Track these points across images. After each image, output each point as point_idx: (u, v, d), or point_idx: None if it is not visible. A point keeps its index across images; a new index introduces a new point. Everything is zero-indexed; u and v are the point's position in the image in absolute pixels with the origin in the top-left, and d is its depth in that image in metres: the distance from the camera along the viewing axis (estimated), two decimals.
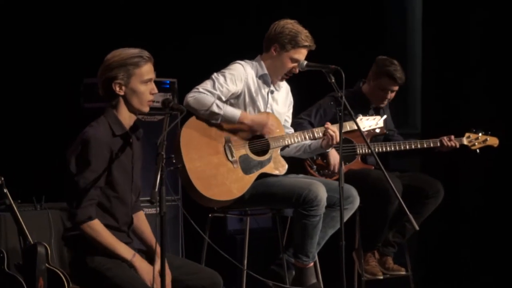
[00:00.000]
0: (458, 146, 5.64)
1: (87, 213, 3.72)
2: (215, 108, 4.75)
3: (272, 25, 4.99)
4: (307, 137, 4.95)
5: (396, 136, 5.86)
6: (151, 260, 3.87)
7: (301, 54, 4.93)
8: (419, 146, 5.63)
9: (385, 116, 5.34)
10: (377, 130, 5.24)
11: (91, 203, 3.74)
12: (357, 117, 5.15)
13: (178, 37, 7.36)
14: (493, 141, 5.75)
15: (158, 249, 3.77)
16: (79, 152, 3.74)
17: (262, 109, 4.96)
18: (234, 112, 4.80)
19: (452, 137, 5.65)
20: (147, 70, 3.86)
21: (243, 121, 4.82)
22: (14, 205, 5.41)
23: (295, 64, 4.92)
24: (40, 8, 6.97)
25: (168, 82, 6.44)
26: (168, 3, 7.28)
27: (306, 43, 4.91)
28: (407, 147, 5.62)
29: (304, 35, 4.91)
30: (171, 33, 7.31)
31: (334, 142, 4.89)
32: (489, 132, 5.72)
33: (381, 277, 5.62)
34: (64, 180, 3.80)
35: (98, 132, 3.77)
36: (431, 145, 5.64)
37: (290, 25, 4.94)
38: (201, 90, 4.78)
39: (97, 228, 3.74)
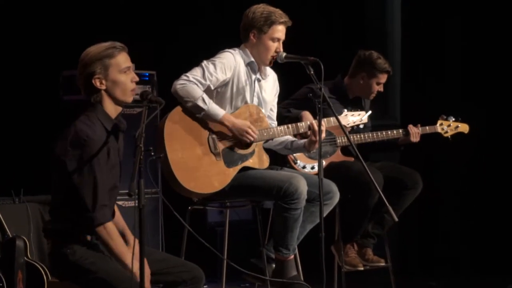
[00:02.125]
0: (420, 130, 5.62)
1: (105, 216, 3.72)
2: (200, 102, 4.70)
3: (244, 14, 4.96)
4: (291, 131, 4.92)
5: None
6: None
7: (280, 32, 4.88)
8: (391, 135, 5.61)
9: (369, 112, 5.32)
10: (361, 126, 5.23)
11: (105, 205, 3.73)
12: (342, 112, 5.14)
13: (157, 29, 7.32)
14: (464, 127, 5.76)
15: (137, 242, 3.75)
16: (81, 154, 3.70)
17: (248, 98, 4.91)
18: (218, 111, 4.75)
19: (419, 125, 5.65)
20: (123, 59, 3.83)
21: (224, 122, 4.77)
22: None
23: (278, 44, 4.88)
24: (19, 2, 6.92)
25: (147, 74, 6.41)
26: None
27: (282, 20, 4.87)
28: (380, 136, 5.60)
29: (278, 13, 4.88)
30: (149, 25, 7.28)
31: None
32: (460, 119, 5.72)
33: (362, 269, 5.61)
34: (68, 184, 3.73)
35: (95, 132, 3.74)
36: (401, 133, 5.62)
37: (261, 8, 4.91)
38: (191, 79, 4.72)
39: (112, 232, 3.74)
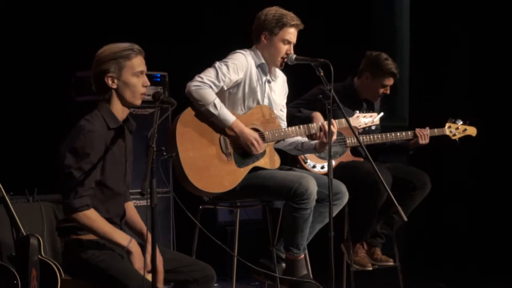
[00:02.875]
0: (428, 132, 5.61)
1: (83, 202, 3.71)
2: (212, 108, 4.70)
3: (256, 16, 4.96)
4: (302, 132, 4.92)
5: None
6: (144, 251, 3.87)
7: (291, 34, 4.89)
8: (400, 137, 5.61)
9: (382, 114, 5.30)
10: (373, 127, 5.24)
11: (87, 194, 3.74)
12: (354, 114, 5.14)
13: (169, 31, 7.35)
14: (472, 130, 5.74)
15: (149, 239, 3.77)
16: (75, 145, 3.73)
17: (260, 99, 4.92)
18: (228, 117, 4.75)
19: (427, 128, 5.65)
20: (138, 62, 3.86)
21: (233, 129, 4.78)
22: (6, 197, 5.40)
23: (289, 46, 4.88)
24: (33, 3, 6.95)
25: (159, 75, 6.43)
26: None
27: (293, 22, 4.88)
28: (389, 137, 5.59)
29: (289, 16, 4.88)
30: (161, 27, 7.30)
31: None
32: (467, 122, 5.71)
33: (370, 268, 5.61)
34: (58, 174, 3.77)
35: (93, 126, 3.76)
36: (410, 135, 5.61)
37: (273, 10, 4.92)
38: (206, 81, 4.72)
39: (93, 216, 3.73)
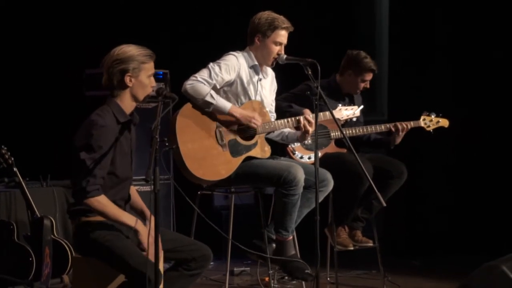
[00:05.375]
0: (409, 126, 5.59)
1: (95, 188, 3.74)
2: (209, 98, 4.70)
3: (250, 20, 4.96)
4: (290, 125, 4.92)
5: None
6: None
7: (282, 36, 4.88)
8: (379, 129, 5.59)
9: (362, 106, 5.33)
10: (354, 119, 5.22)
11: (99, 181, 3.76)
12: (336, 107, 5.14)
13: (171, 30, 7.34)
14: (444, 122, 5.72)
15: (152, 220, 3.80)
16: (89, 139, 3.75)
17: (252, 96, 4.92)
18: (225, 104, 4.76)
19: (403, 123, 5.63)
20: (151, 66, 3.93)
21: (232, 113, 4.77)
22: (22, 182, 5.40)
23: (280, 47, 4.88)
24: (45, 9, 6.97)
25: (161, 72, 6.41)
26: None
27: (284, 25, 4.88)
28: (370, 130, 5.58)
29: (281, 20, 4.88)
30: (164, 27, 7.29)
31: (310, 131, 4.86)
32: (440, 114, 5.70)
33: (352, 248, 5.61)
34: (73, 164, 3.78)
35: (105, 121, 3.79)
36: (390, 128, 5.57)
37: (266, 14, 4.91)
38: (199, 79, 4.73)
39: (103, 201, 3.76)
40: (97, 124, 3.76)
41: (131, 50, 3.86)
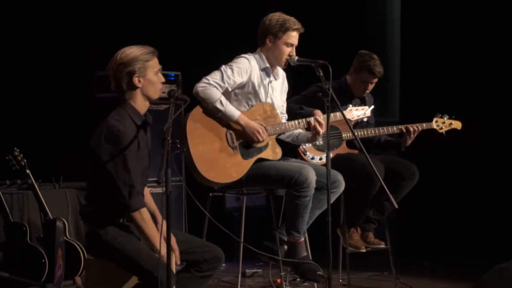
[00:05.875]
0: (419, 128, 5.56)
1: (140, 203, 3.77)
2: (218, 104, 4.69)
3: (261, 21, 4.95)
4: (301, 126, 4.91)
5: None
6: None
7: (293, 37, 4.87)
8: (391, 131, 5.57)
9: (372, 107, 5.30)
10: (365, 119, 5.20)
11: (139, 192, 3.79)
12: (347, 107, 5.13)
13: (182, 33, 7.35)
14: (457, 124, 5.70)
15: (164, 223, 3.78)
16: (115, 147, 3.75)
17: (263, 98, 4.91)
18: (234, 112, 4.75)
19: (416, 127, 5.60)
20: (156, 62, 3.92)
21: (239, 122, 4.77)
22: (35, 184, 5.41)
23: (291, 48, 4.87)
24: (57, 8, 7.00)
25: (173, 75, 6.42)
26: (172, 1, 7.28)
27: (295, 26, 4.87)
28: (381, 131, 5.56)
29: (292, 21, 4.87)
30: (175, 29, 7.30)
31: (320, 132, 4.85)
32: (453, 116, 5.68)
33: (364, 250, 5.60)
34: (93, 173, 3.80)
35: (124, 127, 3.79)
36: (402, 129, 5.54)
37: (277, 16, 4.90)
38: (211, 82, 4.72)
39: (146, 217, 3.79)
40: (119, 131, 3.76)
41: (133, 51, 3.86)
